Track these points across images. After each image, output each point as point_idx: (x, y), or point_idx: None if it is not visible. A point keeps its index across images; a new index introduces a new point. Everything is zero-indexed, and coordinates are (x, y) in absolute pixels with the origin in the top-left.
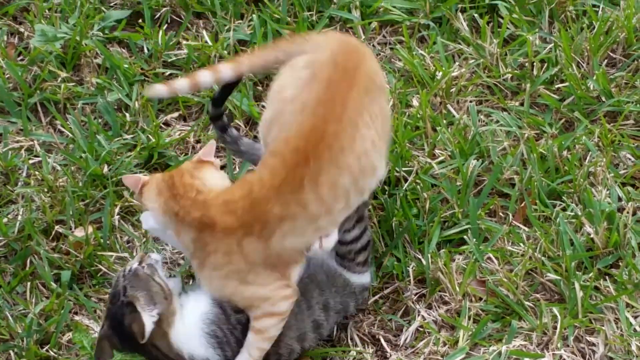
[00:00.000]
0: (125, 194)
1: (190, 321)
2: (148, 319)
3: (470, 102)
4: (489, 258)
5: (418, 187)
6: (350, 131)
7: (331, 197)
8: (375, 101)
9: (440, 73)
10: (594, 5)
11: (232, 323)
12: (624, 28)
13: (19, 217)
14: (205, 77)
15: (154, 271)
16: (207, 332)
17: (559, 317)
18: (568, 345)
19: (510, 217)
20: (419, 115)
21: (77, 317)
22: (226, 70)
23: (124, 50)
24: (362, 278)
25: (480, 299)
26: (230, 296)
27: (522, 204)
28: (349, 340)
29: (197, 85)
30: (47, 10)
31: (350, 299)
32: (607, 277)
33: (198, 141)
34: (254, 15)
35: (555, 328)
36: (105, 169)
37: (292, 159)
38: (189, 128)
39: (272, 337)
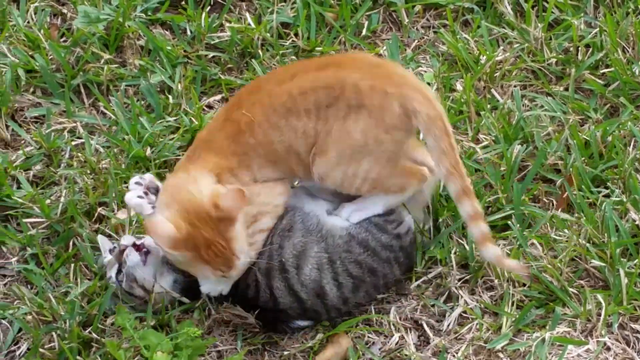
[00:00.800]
0: (168, 176)
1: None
2: None
3: (515, 86)
4: (533, 244)
5: None
6: (288, 101)
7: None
8: (340, 113)
9: (485, 57)
10: None
11: None
12: None
13: (62, 199)
14: None
15: (130, 284)
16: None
17: (603, 304)
18: (612, 333)
19: (554, 203)
20: (462, 100)
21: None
22: None
23: (166, 32)
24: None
25: (524, 285)
26: None
27: (565, 192)
28: (391, 326)
29: None
30: None
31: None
32: None
33: None
34: None
35: (600, 315)
36: (148, 151)
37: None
38: None
39: None
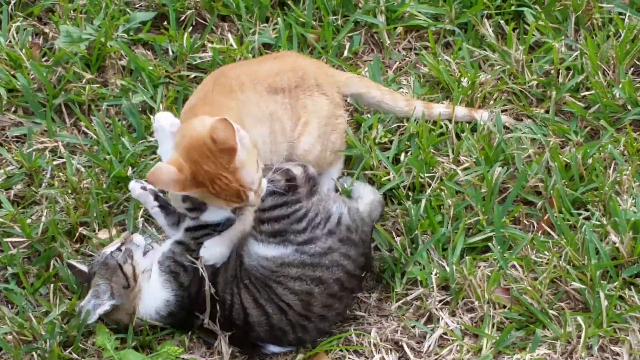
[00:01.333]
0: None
1: (153, 275)
2: (97, 308)
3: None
4: (513, 266)
5: (442, 193)
6: (268, 78)
7: None
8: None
9: (466, 79)
10: (620, 13)
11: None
12: None
13: (43, 219)
14: None
15: (126, 258)
16: (163, 270)
17: (583, 326)
18: (592, 355)
19: (535, 225)
20: (442, 122)
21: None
22: None
23: (148, 52)
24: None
25: (504, 306)
26: None
27: (546, 214)
28: (372, 347)
29: None
30: (72, 11)
31: None
32: (632, 287)
33: None
34: (279, 19)
35: (580, 337)
36: (130, 171)
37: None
38: None
39: None
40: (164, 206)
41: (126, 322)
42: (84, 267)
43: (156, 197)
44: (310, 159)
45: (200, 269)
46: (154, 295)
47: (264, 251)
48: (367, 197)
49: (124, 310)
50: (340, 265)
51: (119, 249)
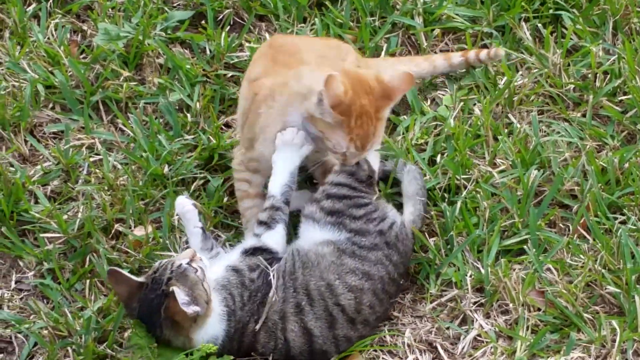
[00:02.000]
0: (185, 194)
1: (214, 303)
2: (189, 309)
3: (532, 112)
4: (549, 269)
5: (478, 195)
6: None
7: None
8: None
9: (503, 81)
10: None
11: (246, 284)
12: None
13: (79, 215)
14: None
15: (203, 276)
16: (220, 299)
17: (618, 330)
18: (627, 359)
19: (571, 228)
20: (479, 123)
21: None
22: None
23: (186, 50)
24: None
25: (539, 309)
26: None
27: (582, 217)
28: (406, 347)
29: None
30: (110, 9)
31: None
32: None
33: None
34: (316, 19)
35: (614, 341)
36: (166, 169)
37: None
38: None
39: None
40: (203, 229)
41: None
42: (135, 277)
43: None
44: None
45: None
46: (212, 324)
47: (319, 235)
48: (408, 215)
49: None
50: (384, 264)
51: (189, 264)
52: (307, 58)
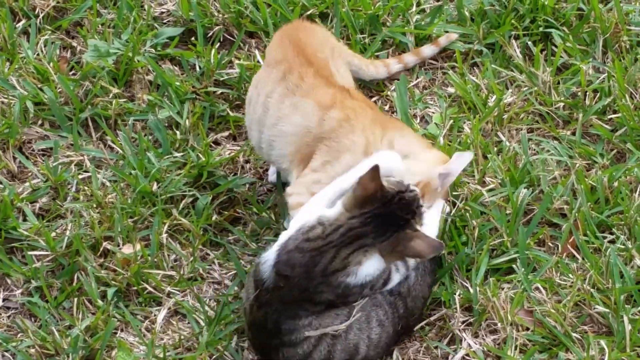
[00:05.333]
0: (173, 212)
1: None
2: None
3: (522, 130)
4: (537, 288)
5: (467, 214)
6: None
7: None
8: None
9: (493, 99)
10: None
11: None
12: None
13: (67, 232)
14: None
15: None
16: None
17: (606, 350)
18: None
19: (560, 247)
20: (469, 142)
21: (122, 335)
22: None
23: (175, 67)
24: None
25: (527, 329)
26: None
27: (571, 236)
28: None
29: None
30: (100, 26)
31: None
32: None
33: (247, 161)
34: None
35: None
36: (155, 186)
37: None
38: (239, 148)
39: None
40: None
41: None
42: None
43: None
44: None
45: None
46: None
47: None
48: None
49: None
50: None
51: None
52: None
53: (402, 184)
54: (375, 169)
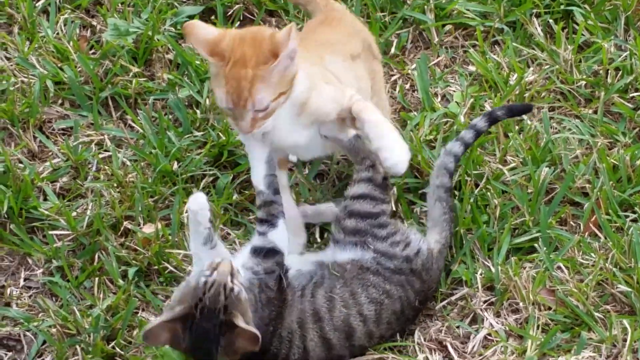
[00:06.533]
0: (194, 191)
1: None
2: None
3: (543, 109)
4: (559, 267)
5: (488, 193)
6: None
7: None
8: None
9: (514, 78)
10: None
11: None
12: None
13: (88, 212)
14: None
15: (244, 290)
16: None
17: (629, 329)
18: (638, 359)
19: (582, 226)
20: None
21: (143, 314)
22: None
23: None
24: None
25: (550, 308)
26: None
27: (593, 215)
28: (416, 346)
29: None
30: (119, 4)
31: None
32: None
33: None
34: None
35: (625, 341)
36: (175, 165)
37: None
38: None
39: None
40: (211, 229)
41: None
42: (169, 317)
43: None
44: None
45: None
46: None
47: (343, 255)
48: (433, 243)
49: None
50: (404, 287)
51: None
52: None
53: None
54: (146, 336)
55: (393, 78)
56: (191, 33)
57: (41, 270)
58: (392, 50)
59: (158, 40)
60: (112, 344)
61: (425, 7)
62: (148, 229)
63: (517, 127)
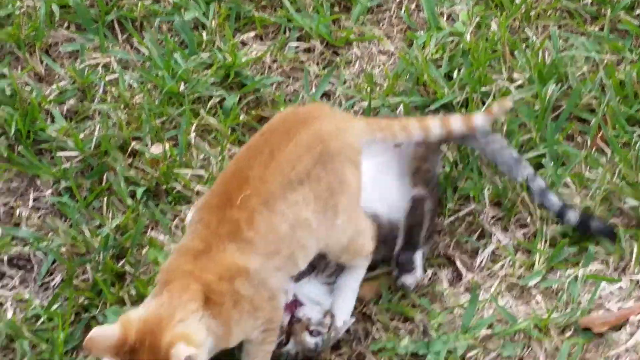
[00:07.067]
0: (201, 112)
1: None
2: None
3: (551, 26)
4: (566, 183)
5: None
6: (280, 180)
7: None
8: (325, 164)
9: None
10: None
11: None
12: None
13: (96, 133)
14: None
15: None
16: None
17: (635, 243)
18: None
19: (589, 142)
20: (496, 39)
21: (152, 233)
22: None
23: None
24: None
25: (557, 223)
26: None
27: (600, 131)
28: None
29: None
30: None
31: None
32: None
33: (274, 61)
34: None
35: (633, 253)
36: (182, 86)
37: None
38: (266, 48)
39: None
40: None
41: None
42: None
43: None
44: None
45: None
46: None
47: None
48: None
49: None
50: None
51: None
52: None
53: None
54: None
55: None
56: (92, 347)
57: (50, 191)
58: None
59: None
60: (122, 262)
61: None
62: (156, 150)
63: (523, 45)
